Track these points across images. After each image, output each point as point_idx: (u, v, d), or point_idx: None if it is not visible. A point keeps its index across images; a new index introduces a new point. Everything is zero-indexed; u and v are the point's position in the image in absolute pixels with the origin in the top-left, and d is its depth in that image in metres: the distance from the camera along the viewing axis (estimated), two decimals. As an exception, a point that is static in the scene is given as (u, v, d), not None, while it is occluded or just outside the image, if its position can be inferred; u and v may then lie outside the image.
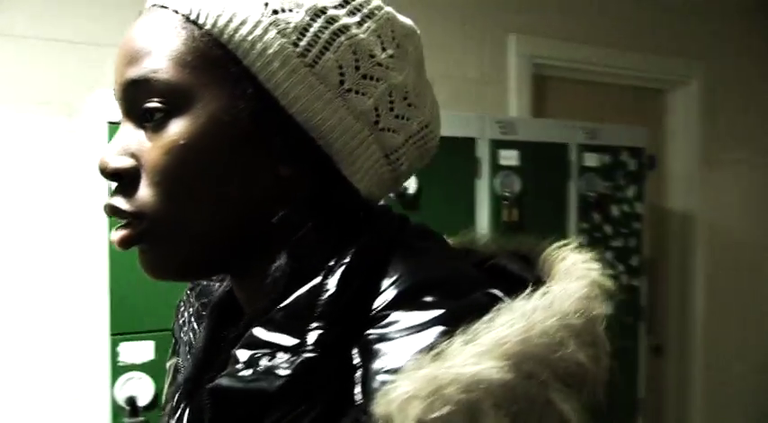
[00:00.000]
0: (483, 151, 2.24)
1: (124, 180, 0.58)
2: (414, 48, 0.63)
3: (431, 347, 0.45)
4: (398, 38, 0.61)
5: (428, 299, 0.51)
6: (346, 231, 0.57)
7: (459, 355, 0.44)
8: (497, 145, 2.25)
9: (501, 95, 2.73)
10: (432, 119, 0.65)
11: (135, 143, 0.58)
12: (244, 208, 0.58)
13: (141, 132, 0.58)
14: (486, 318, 0.47)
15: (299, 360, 0.51)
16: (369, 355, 0.49)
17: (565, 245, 0.61)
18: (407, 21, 0.64)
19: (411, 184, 2.03)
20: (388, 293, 0.53)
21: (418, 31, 0.65)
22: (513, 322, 0.46)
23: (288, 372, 0.50)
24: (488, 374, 0.43)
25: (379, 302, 0.53)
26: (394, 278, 0.54)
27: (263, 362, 0.52)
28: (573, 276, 0.54)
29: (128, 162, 0.58)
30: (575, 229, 2.40)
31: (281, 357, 0.51)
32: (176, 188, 0.57)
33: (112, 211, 0.59)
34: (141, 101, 0.57)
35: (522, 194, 2.26)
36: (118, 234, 0.58)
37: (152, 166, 0.57)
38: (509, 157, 2.26)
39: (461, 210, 2.22)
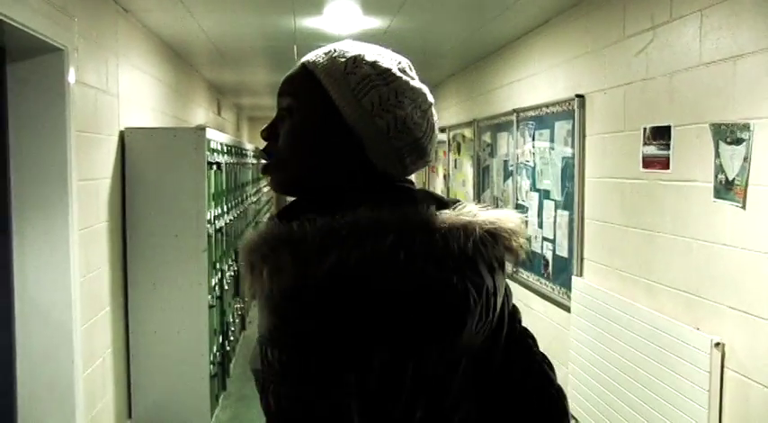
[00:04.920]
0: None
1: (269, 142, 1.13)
2: (414, 99, 1.09)
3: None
4: (407, 93, 1.08)
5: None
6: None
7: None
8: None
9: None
10: (422, 137, 1.10)
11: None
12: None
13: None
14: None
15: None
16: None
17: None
18: (416, 85, 1.10)
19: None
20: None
21: (424, 92, 1.12)
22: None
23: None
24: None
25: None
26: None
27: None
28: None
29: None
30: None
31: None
32: (284, 150, 1.10)
33: (262, 157, 1.13)
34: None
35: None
36: (262, 166, 1.13)
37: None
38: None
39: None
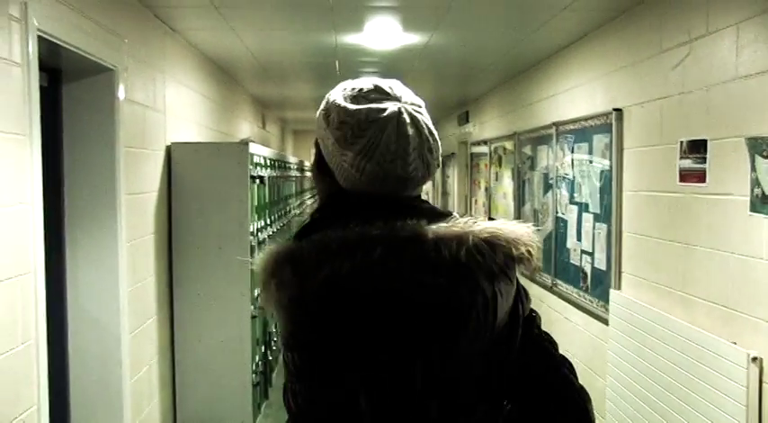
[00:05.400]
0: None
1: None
2: (330, 113, 1.25)
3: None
4: (342, 121, 1.22)
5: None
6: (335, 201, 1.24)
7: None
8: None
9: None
10: (364, 152, 1.19)
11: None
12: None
13: None
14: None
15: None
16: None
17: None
18: (356, 109, 1.22)
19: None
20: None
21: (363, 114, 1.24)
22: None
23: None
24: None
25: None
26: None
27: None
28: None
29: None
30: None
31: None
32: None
33: None
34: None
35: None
36: None
37: None
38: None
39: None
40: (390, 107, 1.19)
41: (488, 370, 1.13)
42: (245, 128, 7.31)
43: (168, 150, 4.12)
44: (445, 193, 11.04)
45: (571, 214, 4.73)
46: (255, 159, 4.59)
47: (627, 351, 3.70)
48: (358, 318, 1.02)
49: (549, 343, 1.30)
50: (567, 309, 4.88)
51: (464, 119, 9.12)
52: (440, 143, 1.33)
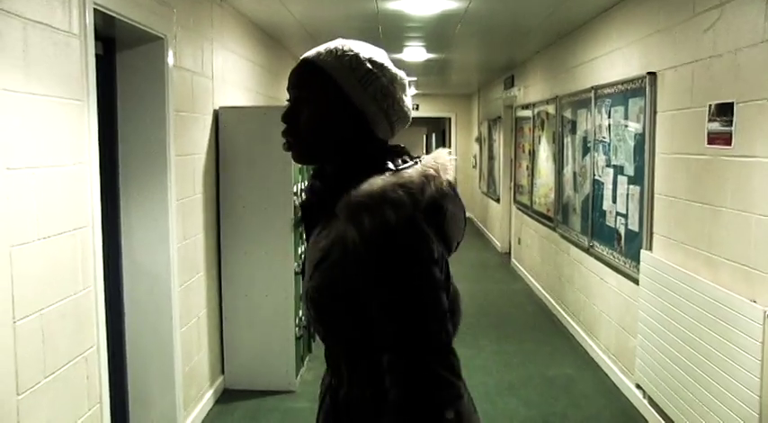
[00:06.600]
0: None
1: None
2: (401, 84, 1.43)
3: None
4: (396, 80, 1.42)
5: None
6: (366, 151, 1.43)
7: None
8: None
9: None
10: (408, 111, 1.46)
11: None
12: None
13: None
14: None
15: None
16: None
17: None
18: (398, 72, 1.44)
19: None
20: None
21: (403, 76, 1.45)
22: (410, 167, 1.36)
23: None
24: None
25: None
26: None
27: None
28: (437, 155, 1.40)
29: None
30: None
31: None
32: (307, 132, 1.42)
33: (284, 137, 1.44)
34: None
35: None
36: (284, 145, 1.44)
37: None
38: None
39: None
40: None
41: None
42: (292, 93, 7.48)
43: (216, 114, 4.33)
44: (491, 157, 11.08)
45: (607, 177, 4.79)
46: (299, 123, 4.74)
47: (655, 310, 3.80)
48: (441, 226, 1.35)
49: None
50: (602, 270, 4.97)
51: (510, 83, 9.13)
52: None
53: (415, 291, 1.27)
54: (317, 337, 1.53)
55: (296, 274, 4.53)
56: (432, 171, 1.33)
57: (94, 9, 2.62)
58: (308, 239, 1.52)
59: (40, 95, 2.29)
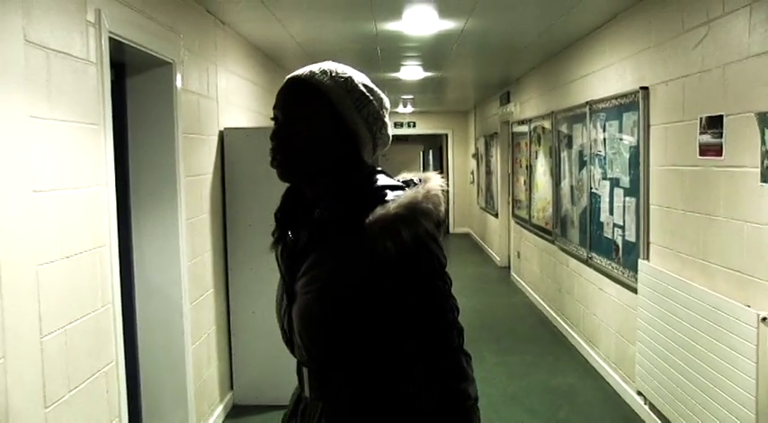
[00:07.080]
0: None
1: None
2: (387, 108, 1.51)
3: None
4: (383, 104, 1.50)
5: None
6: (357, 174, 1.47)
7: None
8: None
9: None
10: (390, 135, 1.53)
11: None
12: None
13: None
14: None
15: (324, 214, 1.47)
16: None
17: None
18: (383, 96, 1.50)
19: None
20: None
21: (386, 99, 1.51)
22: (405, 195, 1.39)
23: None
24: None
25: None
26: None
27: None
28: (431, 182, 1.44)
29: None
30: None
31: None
32: (299, 150, 1.45)
33: (272, 155, 1.47)
34: None
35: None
36: (272, 162, 1.47)
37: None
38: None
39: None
40: None
41: None
42: (291, 112, 7.59)
43: (221, 135, 4.44)
44: (489, 173, 11.21)
45: (604, 189, 4.91)
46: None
47: (654, 317, 3.90)
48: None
49: None
50: (601, 280, 5.08)
51: (506, 99, 9.28)
52: None
53: (441, 296, 1.38)
54: (302, 357, 1.50)
55: (302, 289, 4.61)
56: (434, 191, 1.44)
57: (109, 38, 2.74)
58: (293, 263, 1.52)
59: (61, 121, 2.40)
